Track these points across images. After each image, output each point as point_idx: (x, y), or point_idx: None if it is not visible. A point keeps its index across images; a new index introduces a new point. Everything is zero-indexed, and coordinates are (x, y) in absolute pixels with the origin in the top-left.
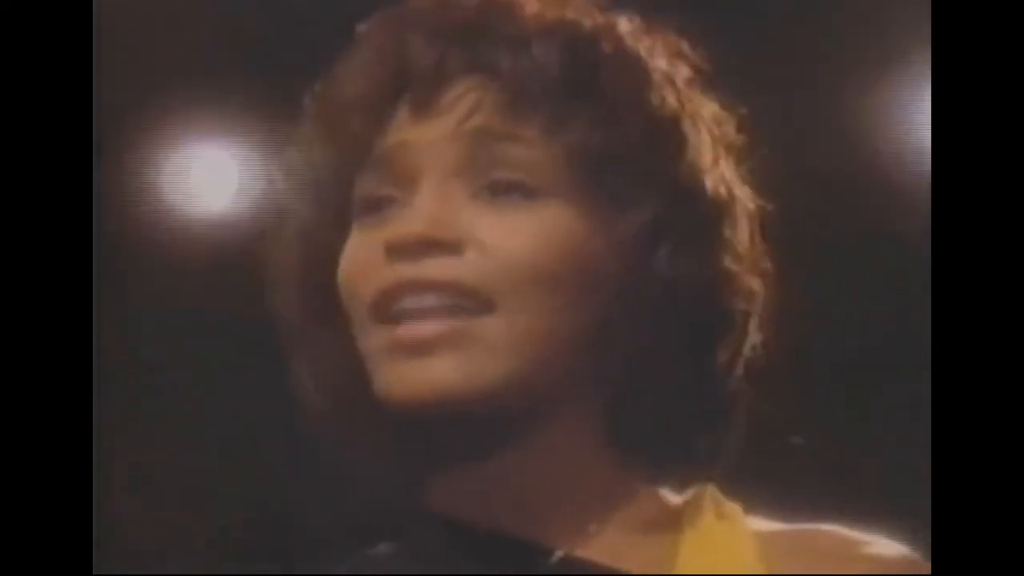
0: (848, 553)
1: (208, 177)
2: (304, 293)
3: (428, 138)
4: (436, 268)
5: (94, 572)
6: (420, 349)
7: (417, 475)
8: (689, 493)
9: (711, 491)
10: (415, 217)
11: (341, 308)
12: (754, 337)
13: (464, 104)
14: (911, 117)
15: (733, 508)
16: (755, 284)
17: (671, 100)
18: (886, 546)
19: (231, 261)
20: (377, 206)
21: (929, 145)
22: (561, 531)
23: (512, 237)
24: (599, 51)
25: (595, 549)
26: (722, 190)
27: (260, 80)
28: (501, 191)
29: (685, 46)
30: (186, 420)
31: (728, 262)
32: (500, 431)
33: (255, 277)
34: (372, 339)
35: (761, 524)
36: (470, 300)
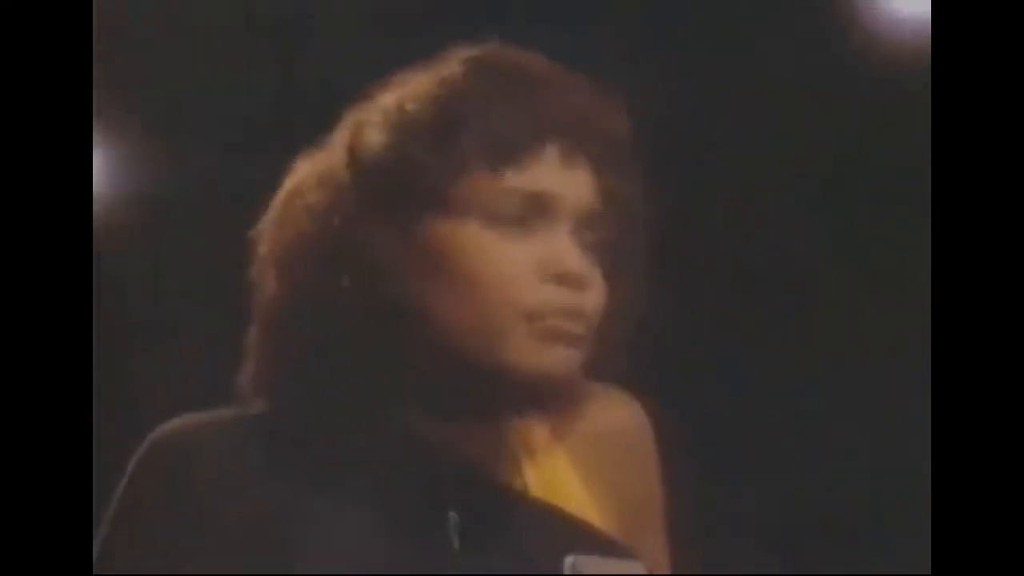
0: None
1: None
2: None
3: (565, 193)
4: (581, 300)
5: (94, 572)
6: (555, 339)
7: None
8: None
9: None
10: (572, 257)
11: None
12: None
13: (591, 170)
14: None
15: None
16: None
17: None
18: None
19: (235, 253)
20: (507, 222)
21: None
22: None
23: (601, 284)
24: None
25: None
26: None
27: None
28: (587, 248)
29: None
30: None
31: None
32: (528, 404)
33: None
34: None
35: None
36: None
